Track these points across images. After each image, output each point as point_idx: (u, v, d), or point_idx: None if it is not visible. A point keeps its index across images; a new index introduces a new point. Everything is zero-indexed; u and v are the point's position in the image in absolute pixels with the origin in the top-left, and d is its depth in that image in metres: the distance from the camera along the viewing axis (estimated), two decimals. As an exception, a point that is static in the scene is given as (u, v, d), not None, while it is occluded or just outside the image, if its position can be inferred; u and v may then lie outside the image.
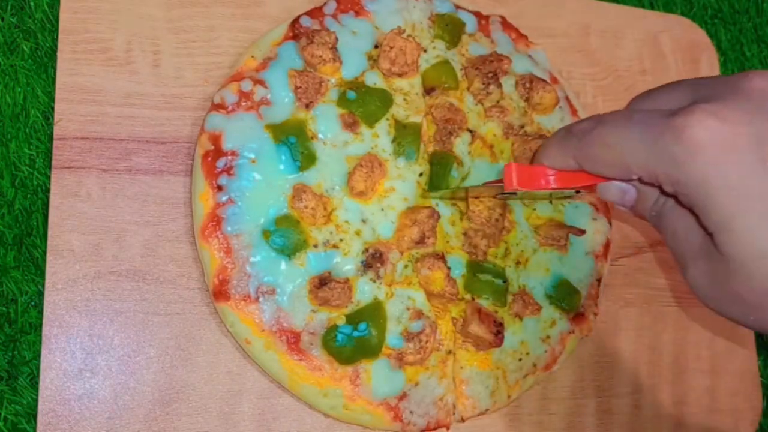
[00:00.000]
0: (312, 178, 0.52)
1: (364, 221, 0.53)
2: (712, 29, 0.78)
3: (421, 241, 0.53)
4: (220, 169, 0.51)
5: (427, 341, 0.52)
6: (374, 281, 0.52)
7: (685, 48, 0.72)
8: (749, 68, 0.78)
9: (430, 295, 0.53)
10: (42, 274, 0.50)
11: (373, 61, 0.56)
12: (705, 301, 0.37)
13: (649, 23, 0.72)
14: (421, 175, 0.55)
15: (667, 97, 0.39)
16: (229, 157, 0.51)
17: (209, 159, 0.51)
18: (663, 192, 0.38)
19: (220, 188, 0.50)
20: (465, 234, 0.56)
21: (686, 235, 0.38)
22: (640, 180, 0.38)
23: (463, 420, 0.54)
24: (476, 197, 0.55)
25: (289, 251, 0.50)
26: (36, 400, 0.48)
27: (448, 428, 0.53)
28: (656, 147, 0.35)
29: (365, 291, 0.52)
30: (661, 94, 0.39)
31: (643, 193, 0.41)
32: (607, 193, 0.42)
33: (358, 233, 0.52)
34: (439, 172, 0.55)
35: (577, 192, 0.51)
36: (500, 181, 0.47)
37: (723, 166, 0.33)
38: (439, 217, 0.53)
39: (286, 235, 0.50)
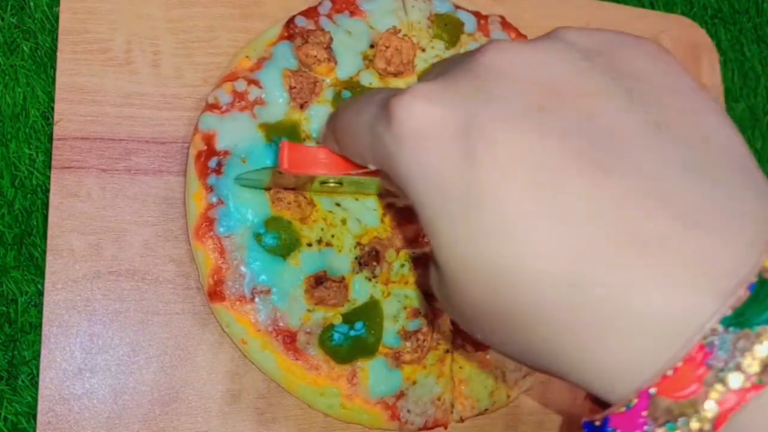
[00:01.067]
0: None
1: (338, 205, 0.52)
2: (712, 29, 0.78)
3: (415, 240, 0.53)
4: (211, 169, 0.51)
5: (424, 340, 0.52)
6: (370, 280, 0.52)
7: (685, 48, 0.72)
8: (749, 68, 0.78)
9: (426, 294, 0.53)
10: (42, 274, 0.50)
11: (369, 60, 0.56)
12: (445, 311, 0.32)
13: (649, 23, 0.72)
14: None
15: (432, 72, 0.32)
16: (222, 157, 0.51)
17: (202, 159, 0.51)
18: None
19: (210, 189, 0.50)
20: None
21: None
22: None
23: (462, 420, 0.54)
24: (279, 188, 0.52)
25: (283, 251, 0.50)
26: (36, 400, 0.48)
27: (446, 427, 0.53)
28: (374, 134, 0.29)
29: (361, 289, 0.52)
30: (433, 68, 0.33)
31: None
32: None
33: (344, 221, 0.52)
34: None
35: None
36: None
37: (423, 159, 0.27)
38: None
39: (278, 236, 0.50)
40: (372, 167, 0.32)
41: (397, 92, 0.28)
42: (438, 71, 0.31)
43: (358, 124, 0.31)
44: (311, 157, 0.37)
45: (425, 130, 0.27)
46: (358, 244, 0.52)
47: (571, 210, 0.25)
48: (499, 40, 0.29)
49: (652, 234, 0.24)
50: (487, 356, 0.54)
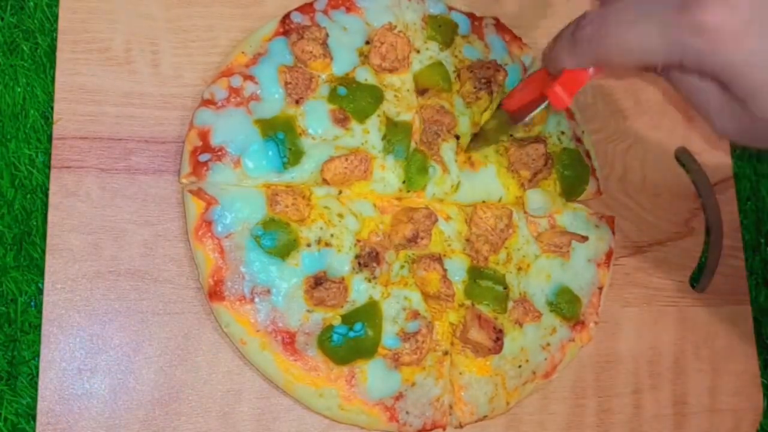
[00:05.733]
0: (289, 177, 0.52)
1: (338, 200, 0.53)
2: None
3: (413, 240, 0.53)
4: (202, 164, 0.50)
5: (423, 342, 0.52)
6: (369, 281, 0.52)
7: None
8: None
9: (426, 296, 0.53)
10: (41, 273, 0.50)
11: (364, 57, 0.56)
12: (735, 140, 0.42)
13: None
14: (404, 182, 0.55)
15: None
16: (217, 153, 0.51)
17: (197, 155, 0.51)
18: (682, 69, 0.40)
19: (200, 189, 0.51)
20: (467, 240, 0.55)
21: (710, 96, 0.41)
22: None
23: (461, 426, 0.54)
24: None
25: (282, 252, 0.50)
26: (36, 400, 0.48)
27: (444, 429, 0.53)
28: (678, 43, 0.36)
29: (360, 290, 0.51)
30: None
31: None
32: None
33: (341, 216, 0.52)
34: (413, 169, 0.55)
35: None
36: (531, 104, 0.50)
37: (744, 50, 0.35)
38: (436, 219, 0.53)
39: (277, 237, 0.50)
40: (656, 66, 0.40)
41: (691, 5, 0.35)
42: None
43: (644, 40, 0.38)
44: (578, 80, 0.45)
45: (737, 29, 0.35)
46: (358, 242, 0.52)
47: None
48: None
49: None
50: (487, 362, 0.54)
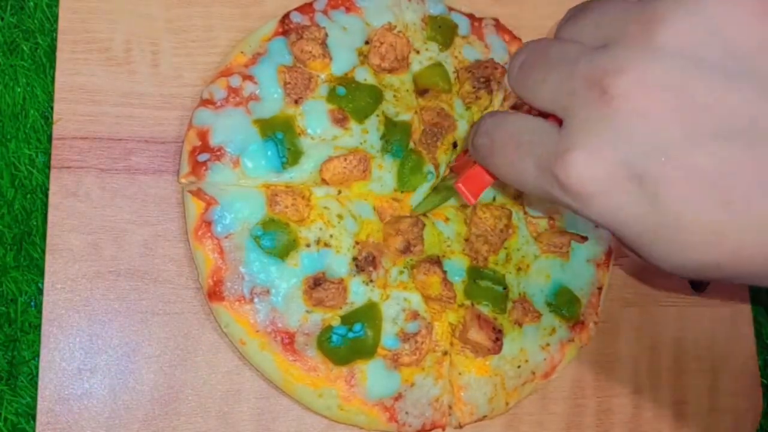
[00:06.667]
0: (288, 177, 0.52)
1: (338, 200, 0.53)
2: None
3: (406, 250, 0.53)
4: (201, 164, 0.50)
5: (422, 342, 0.52)
6: (367, 284, 0.52)
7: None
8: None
9: (427, 298, 0.53)
10: (41, 273, 0.50)
11: (364, 57, 0.56)
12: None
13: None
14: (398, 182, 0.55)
15: (592, 25, 0.36)
16: (216, 153, 0.51)
17: (196, 155, 0.51)
18: None
19: (200, 189, 0.50)
20: (467, 240, 0.55)
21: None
22: None
23: (461, 426, 0.54)
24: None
25: (281, 252, 0.50)
26: (36, 400, 0.48)
27: (443, 429, 0.53)
28: (549, 194, 0.35)
29: (359, 292, 0.51)
30: (586, 22, 0.36)
31: None
32: None
33: (340, 217, 0.52)
34: (405, 169, 0.55)
35: None
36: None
37: (614, 210, 0.33)
38: (423, 225, 0.53)
39: (276, 237, 0.50)
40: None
41: (557, 161, 0.33)
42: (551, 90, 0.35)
43: (521, 175, 0.37)
44: (484, 181, 0.43)
45: (601, 189, 0.32)
46: (356, 243, 0.52)
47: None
48: (617, 66, 0.32)
49: None
50: (487, 363, 0.54)
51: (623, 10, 0.33)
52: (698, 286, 0.65)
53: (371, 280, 0.52)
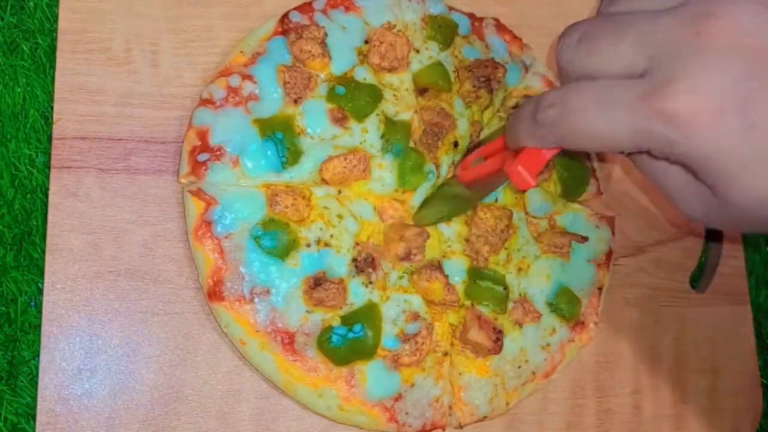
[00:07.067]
0: (288, 176, 0.52)
1: (338, 200, 0.53)
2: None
3: (406, 258, 0.52)
4: (201, 164, 0.50)
5: (423, 343, 0.51)
6: (366, 285, 0.52)
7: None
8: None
9: (429, 302, 0.53)
10: (41, 273, 0.50)
11: (363, 56, 0.56)
12: (705, 223, 0.42)
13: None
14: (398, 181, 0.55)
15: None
16: (216, 153, 0.51)
17: (196, 154, 0.51)
18: (650, 155, 0.39)
19: (200, 189, 0.50)
20: (467, 240, 0.55)
21: (678, 180, 0.40)
22: None
23: (461, 426, 0.54)
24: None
25: (281, 252, 0.50)
26: (36, 400, 0.48)
27: (443, 429, 0.53)
28: (645, 131, 0.36)
29: (359, 294, 0.51)
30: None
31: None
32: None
33: (340, 217, 0.52)
34: (406, 168, 0.54)
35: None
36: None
37: (715, 138, 0.34)
38: (428, 236, 0.53)
39: (276, 237, 0.50)
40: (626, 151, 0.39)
41: (657, 93, 0.34)
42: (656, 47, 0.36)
43: (609, 129, 0.37)
44: (539, 159, 0.43)
45: (708, 118, 0.34)
46: (356, 244, 0.52)
47: None
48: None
49: None
50: (487, 363, 0.54)
51: None
52: (698, 285, 0.65)
53: (371, 282, 0.52)
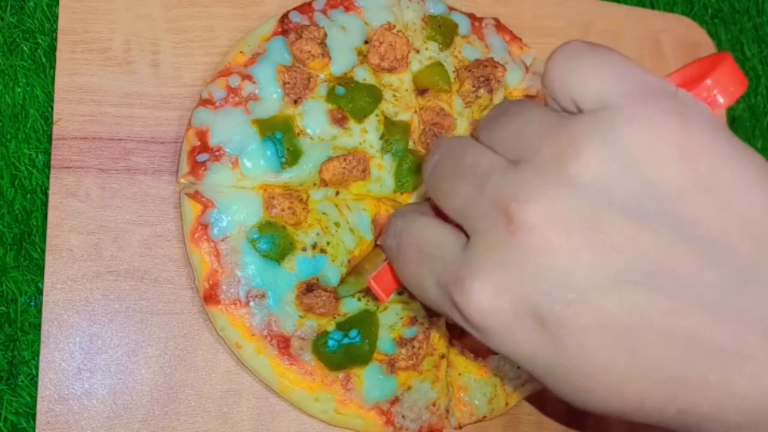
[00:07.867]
0: (287, 177, 0.52)
1: (336, 206, 0.53)
2: (713, 29, 0.77)
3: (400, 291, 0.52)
4: (199, 164, 0.50)
5: (420, 347, 0.51)
6: (359, 300, 0.52)
7: (685, 48, 0.72)
8: (749, 68, 0.78)
9: (427, 308, 0.53)
10: (41, 273, 0.50)
11: (363, 56, 0.56)
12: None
13: (649, 23, 0.72)
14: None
15: (509, 136, 0.32)
16: (215, 153, 0.51)
17: (195, 155, 0.51)
18: None
19: (197, 191, 0.50)
20: None
21: None
22: None
23: (460, 426, 0.54)
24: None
25: (277, 256, 0.50)
26: (35, 400, 0.48)
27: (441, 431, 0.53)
28: (453, 317, 0.33)
29: (352, 304, 0.51)
30: (504, 132, 0.33)
31: None
32: None
33: (337, 225, 0.52)
34: (403, 169, 0.54)
35: None
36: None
37: (511, 342, 0.31)
38: None
39: (272, 240, 0.50)
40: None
41: (455, 291, 0.31)
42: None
43: (423, 286, 0.34)
44: (395, 280, 0.40)
45: (501, 324, 0.30)
46: (350, 261, 0.52)
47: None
48: (517, 198, 0.29)
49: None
50: (486, 363, 0.54)
51: (542, 126, 0.30)
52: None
53: (364, 295, 0.52)
